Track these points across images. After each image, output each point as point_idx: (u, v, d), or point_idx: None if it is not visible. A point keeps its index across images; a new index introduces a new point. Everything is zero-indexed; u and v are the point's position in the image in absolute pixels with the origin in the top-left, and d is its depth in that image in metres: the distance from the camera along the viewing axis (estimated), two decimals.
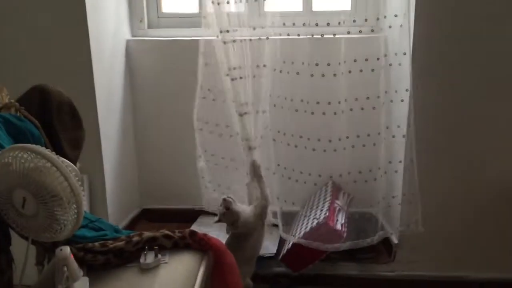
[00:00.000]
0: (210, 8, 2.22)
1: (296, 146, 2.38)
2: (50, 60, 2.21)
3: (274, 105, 2.39)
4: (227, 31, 2.24)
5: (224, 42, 2.24)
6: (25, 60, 2.22)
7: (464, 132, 2.15)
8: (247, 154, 2.35)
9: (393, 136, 2.26)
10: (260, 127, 2.37)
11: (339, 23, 2.16)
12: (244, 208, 2.14)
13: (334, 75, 2.21)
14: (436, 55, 2.08)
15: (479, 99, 2.11)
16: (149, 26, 2.62)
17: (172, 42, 2.50)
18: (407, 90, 2.14)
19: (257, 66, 2.32)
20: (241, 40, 2.27)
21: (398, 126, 2.23)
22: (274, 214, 2.41)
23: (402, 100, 2.19)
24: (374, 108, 2.23)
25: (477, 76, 2.09)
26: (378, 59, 2.19)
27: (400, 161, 2.24)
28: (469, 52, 2.06)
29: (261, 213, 2.21)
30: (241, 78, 2.29)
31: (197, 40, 2.34)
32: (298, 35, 2.22)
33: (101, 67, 2.28)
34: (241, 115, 2.31)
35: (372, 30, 2.24)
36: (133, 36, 2.60)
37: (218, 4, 2.21)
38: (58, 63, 2.20)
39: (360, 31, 2.21)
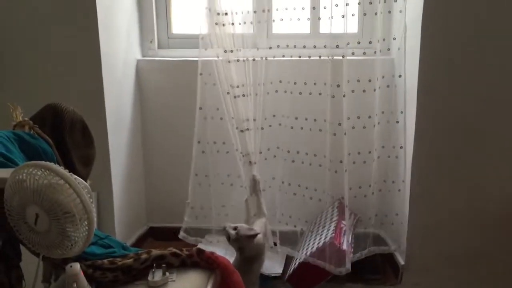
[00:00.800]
0: (209, 29, 2.30)
1: (310, 164, 2.46)
2: (62, 79, 2.25)
3: (280, 124, 2.46)
4: (231, 51, 2.31)
5: (229, 61, 2.31)
6: (38, 79, 2.27)
7: (465, 152, 2.16)
8: (247, 169, 2.40)
9: (388, 156, 2.31)
10: (260, 143, 2.43)
11: (337, 46, 2.22)
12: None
13: (333, 96, 2.28)
14: (438, 78, 2.10)
15: (481, 121, 2.12)
16: (159, 47, 2.66)
17: (182, 63, 2.54)
18: (401, 112, 2.18)
19: (259, 84, 2.38)
20: (244, 60, 2.34)
21: (393, 147, 2.28)
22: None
23: (397, 122, 2.23)
24: (364, 127, 2.31)
25: (478, 100, 2.10)
26: (369, 80, 2.26)
27: (393, 181, 2.31)
28: (472, 76, 2.08)
29: (265, 231, 2.22)
30: (243, 95, 2.37)
31: (206, 60, 2.39)
32: (309, 56, 2.30)
33: (112, 87, 2.32)
34: (242, 131, 2.37)
35: (364, 53, 2.29)
36: (143, 56, 2.64)
37: (223, 25, 2.28)
38: (70, 82, 2.24)
39: (362, 53, 2.29)
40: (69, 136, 1.57)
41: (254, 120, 2.40)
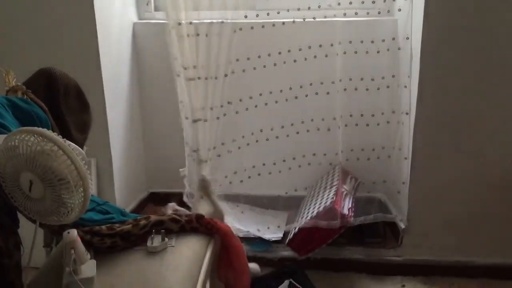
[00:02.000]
0: None
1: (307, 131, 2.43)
2: (57, 44, 2.20)
3: (276, 102, 2.38)
4: (190, 23, 2.09)
5: (188, 35, 2.09)
6: (32, 43, 2.21)
7: (468, 119, 2.12)
8: (196, 168, 2.25)
9: (398, 122, 2.27)
10: (216, 136, 2.27)
11: (339, 3, 2.16)
12: None
13: (343, 53, 2.22)
14: (444, 44, 2.04)
15: (485, 89, 2.08)
16: (156, 9, 2.59)
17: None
18: (409, 76, 2.14)
19: (236, 60, 2.22)
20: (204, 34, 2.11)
21: (402, 113, 2.24)
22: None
23: (405, 86, 2.18)
24: (367, 89, 2.27)
25: (484, 66, 2.05)
26: (372, 42, 2.22)
27: (399, 148, 2.27)
28: (479, 42, 2.02)
29: None
30: (199, 78, 2.16)
31: (205, 23, 2.34)
32: (303, 19, 2.22)
33: (108, 51, 2.27)
34: (194, 121, 2.19)
35: (379, 13, 2.24)
36: (140, 19, 2.58)
37: None
38: (65, 46, 2.19)
39: (367, 13, 2.25)
40: (64, 101, 1.54)
41: (240, 100, 2.30)
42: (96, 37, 2.18)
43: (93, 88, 2.20)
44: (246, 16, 2.18)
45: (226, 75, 2.18)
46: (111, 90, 2.31)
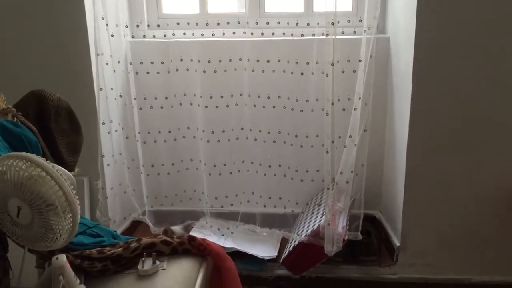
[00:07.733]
0: None
1: (302, 146, 2.50)
2: (50, 64, 2.21)
3: (254, 105, 2.49)
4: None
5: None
6: (24, 63, 2.22)
7: (463, 134, 2.11)
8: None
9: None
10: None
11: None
12: None
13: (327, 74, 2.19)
14: (434, 61, 2.04)
15: (478, 110, 2.07)
16: (150, 27, 2.59)
17: (173, 43, 2.48)
18: (369, 94, 2.17)
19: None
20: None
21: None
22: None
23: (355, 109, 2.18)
24: (355, 109, 2.22)
25: (476, 93, 2.05)
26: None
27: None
28: (468, 57, 2.02)
29: None
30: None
31: (198, 41, 2.37)
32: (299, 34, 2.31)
33: (102, 70, 2.26)
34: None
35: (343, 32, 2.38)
36: (133, 37, 2.57)
37: None
38: (59, 66, 2.20)
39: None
40: (54, 123, 1.53)
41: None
42: (89, 56, 2.19)
43: (87, 107, 2.20)
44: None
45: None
46: (105, 108, 2.30)
